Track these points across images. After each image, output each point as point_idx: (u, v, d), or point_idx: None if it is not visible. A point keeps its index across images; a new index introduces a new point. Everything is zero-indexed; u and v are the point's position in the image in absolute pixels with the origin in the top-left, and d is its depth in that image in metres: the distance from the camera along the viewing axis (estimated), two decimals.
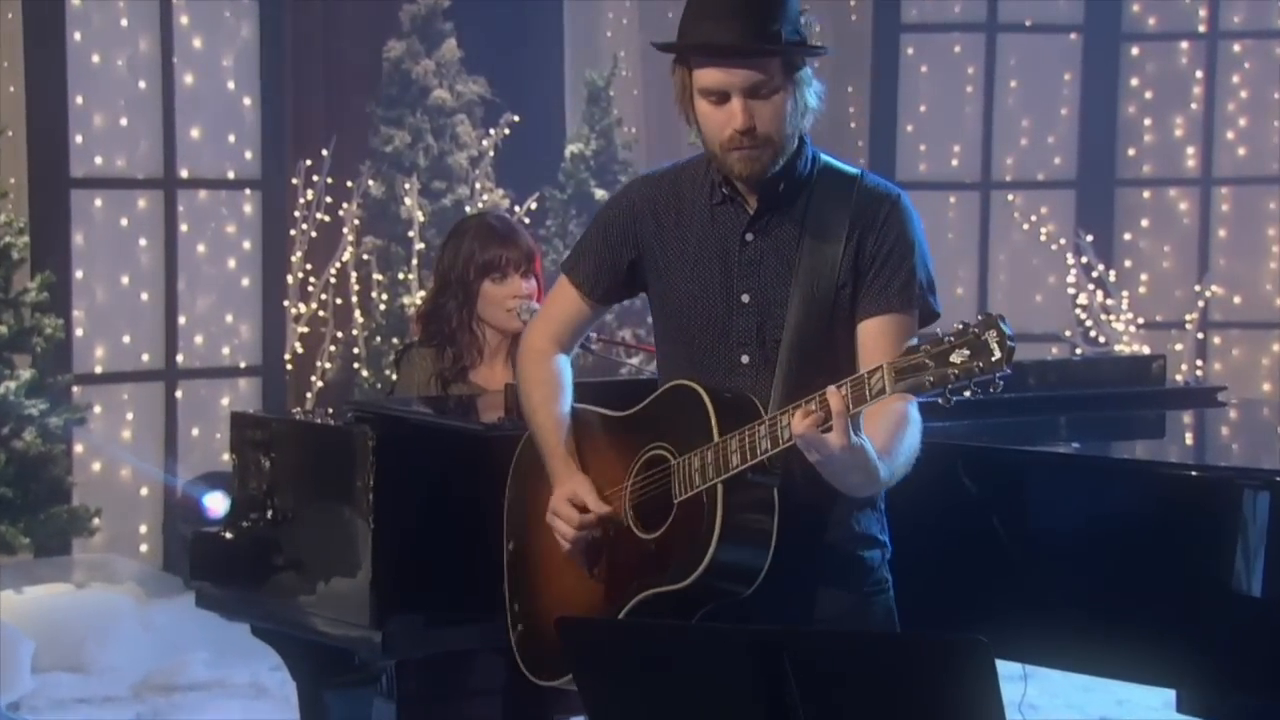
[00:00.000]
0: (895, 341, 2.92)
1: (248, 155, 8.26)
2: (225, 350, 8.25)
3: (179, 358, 8.08)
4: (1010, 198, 9.47)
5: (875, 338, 2.97)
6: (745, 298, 3.04)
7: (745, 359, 3.04)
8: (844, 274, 3.00)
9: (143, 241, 7.96)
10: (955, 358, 2.62)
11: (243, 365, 8.30)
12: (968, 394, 2.63)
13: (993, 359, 2.60)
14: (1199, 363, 9.35)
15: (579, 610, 3.10)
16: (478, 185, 8.56)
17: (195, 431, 8.14)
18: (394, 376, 4.44)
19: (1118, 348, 9.03)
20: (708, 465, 2.90)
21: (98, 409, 7.71)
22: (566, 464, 3.12)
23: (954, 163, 9.47)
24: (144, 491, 7.99)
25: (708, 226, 3.08)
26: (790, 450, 2.83)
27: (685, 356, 3.09)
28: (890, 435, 2.90)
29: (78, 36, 7.73)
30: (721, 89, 2.95)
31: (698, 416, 2.94)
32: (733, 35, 2.92)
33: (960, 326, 2.64)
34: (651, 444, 3.04)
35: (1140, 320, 9.23)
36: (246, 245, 8.28)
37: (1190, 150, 9.44)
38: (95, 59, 7.79)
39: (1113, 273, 9.27)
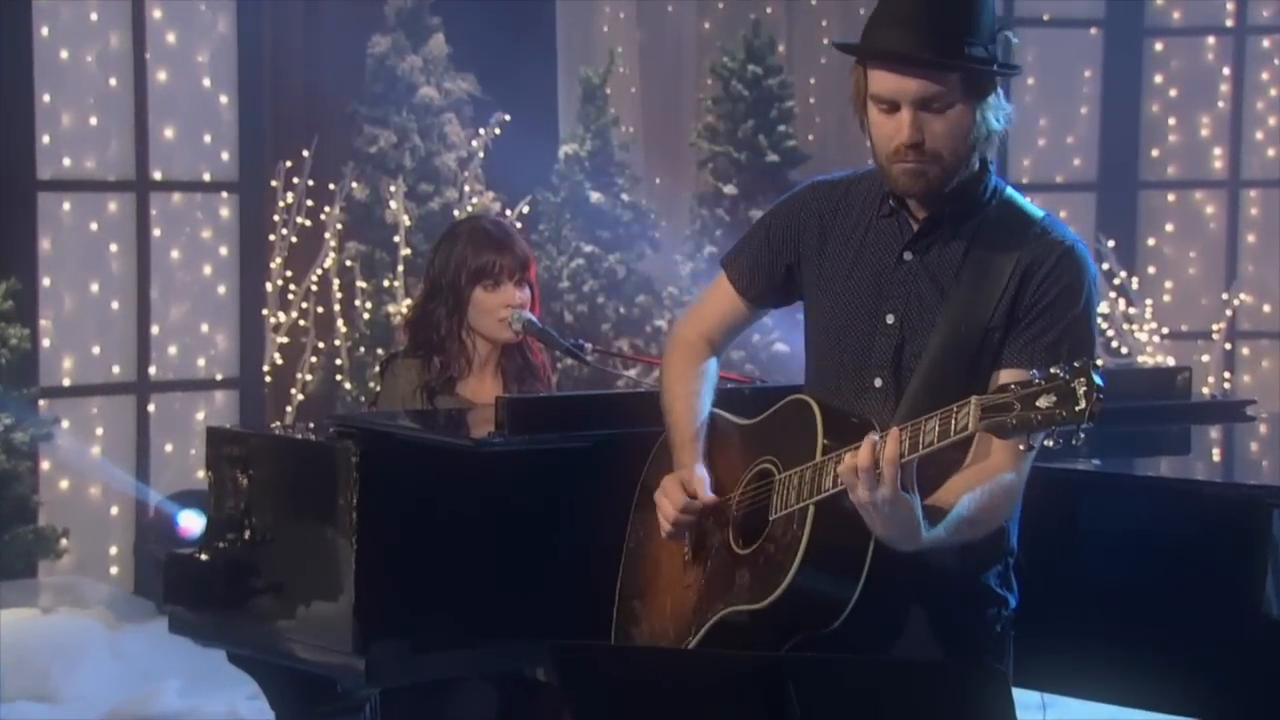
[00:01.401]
0: None
1: (224, 156, 8.26)
2: (200, 361, 8.25)
3: (152, 370, 8.08)
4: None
5: None
6: (890, 318, 3.03)
7: (878, 382, 3.03)
8: (998, 316, 2.97)
9: (113, 247, 7.96)
10: (1042, 402, 2.62)
11: (219, 377, 8.30)
12: (1049, 443, 2.64)
13: (1077, 409, 2.60)
14: (1226, 375, 9.36)
15: (673, 617, 3.13)
16: (467, 188, 8.56)
17: (169, 447, 8.13)
18: (377, 389, 4.44)
19: (1141, 359, 9.03)
20: (804, 484, 2.91)
21: (66, 424, 7.70)
22: (692, 455, 3.14)
23: None
24: (114, 511, 7.98)
25: (869, 239, 3.08)
26: (906, 478, 2.79)
27: (825, 374, 3.11)
28: (960, 490, 2.87)
29: (45, 32, 7.73)
30: (893, 97, 2.93)
31: (806, 433, 2.96)
32: (911, 44, 2.91)
33: (1054, 370, 2.63)
34: (763, 456, 3.06)
35: (1165, 330, 9.23)
36: (223, 251, 8.28)
37: (1217, 151, 9.45)
38: (63, 55, 7.79)
39: (1135, 280, 9.27)
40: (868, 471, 2.74)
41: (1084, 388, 2.60)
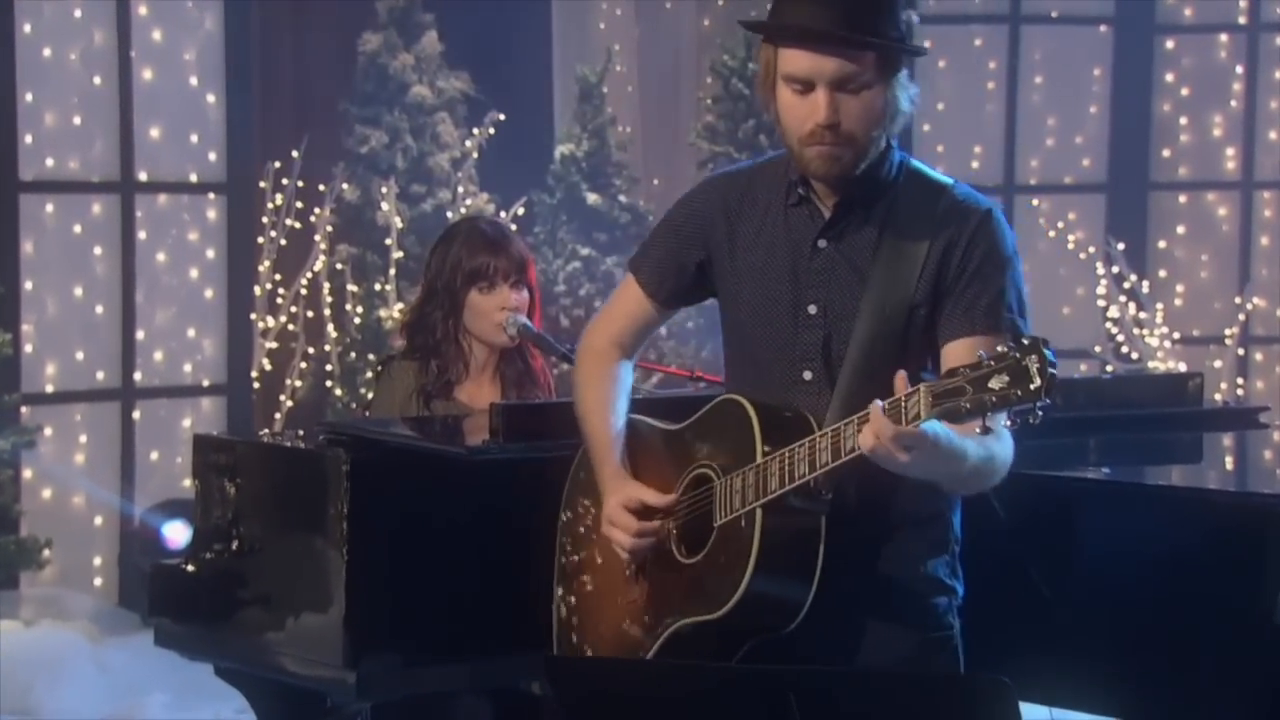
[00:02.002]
0: None
1: (211, 157, 8.26)
2: (187, 367, 8.25)
3: (137, 376, 8.08)
4: (1035, 202, 9.48)
5: (958, 362, 2.88)
6: (812, 309, 3.04)
7: (808, 375, 3.04)
8: (921, 292, 2.99)
9: (97, 250, 7.96)
10: (994, 383, 2.61)
11: (206, 384, 8.30)
12: (1005, 424, 2.63)
13: (1031, 387, 2.59)
14: (1239, 381, 9.36)
15: (620, 635, 3.13)
16: (460, 189, 8.57)
17: (154, 455, 8.13)
18: (371, 394, 4.44)
19: (1151, 364, 9.03)
20: (748, 487, 2.92)
21: (48, 431, 7.70)
22: (618, 472, 3.14)
23: (974, 165, 9.48)
24: (98, 521, 7.98)
25: (780, 229, 3.08)
26: (845, 474, 2.83)
27: (748, 370, 3.11)
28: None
29: (28, 29, 7.73)
30: (808, 77, 2.93)
31: (743, 434, 2.96)
32: (829, 21, 2.91)
33: (1002, 349, 2.63)
34: (698, 462, 3.06)
35: (1176, 335, 9.24)
36: (210, 254, 8.28)
37: (1230, 151, 9.45)
38: (46, 53, 7.79)
39: (1146, 283, 9.27)
40: (889, 444, 2.71)
41: (1036, 364, 2.59)
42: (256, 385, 8.40)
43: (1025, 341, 2.62)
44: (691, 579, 3.01)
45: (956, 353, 2.95)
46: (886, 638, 3.02)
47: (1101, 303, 9.28)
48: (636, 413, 3.24)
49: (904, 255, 2.99)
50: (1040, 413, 2.61)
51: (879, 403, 2.72)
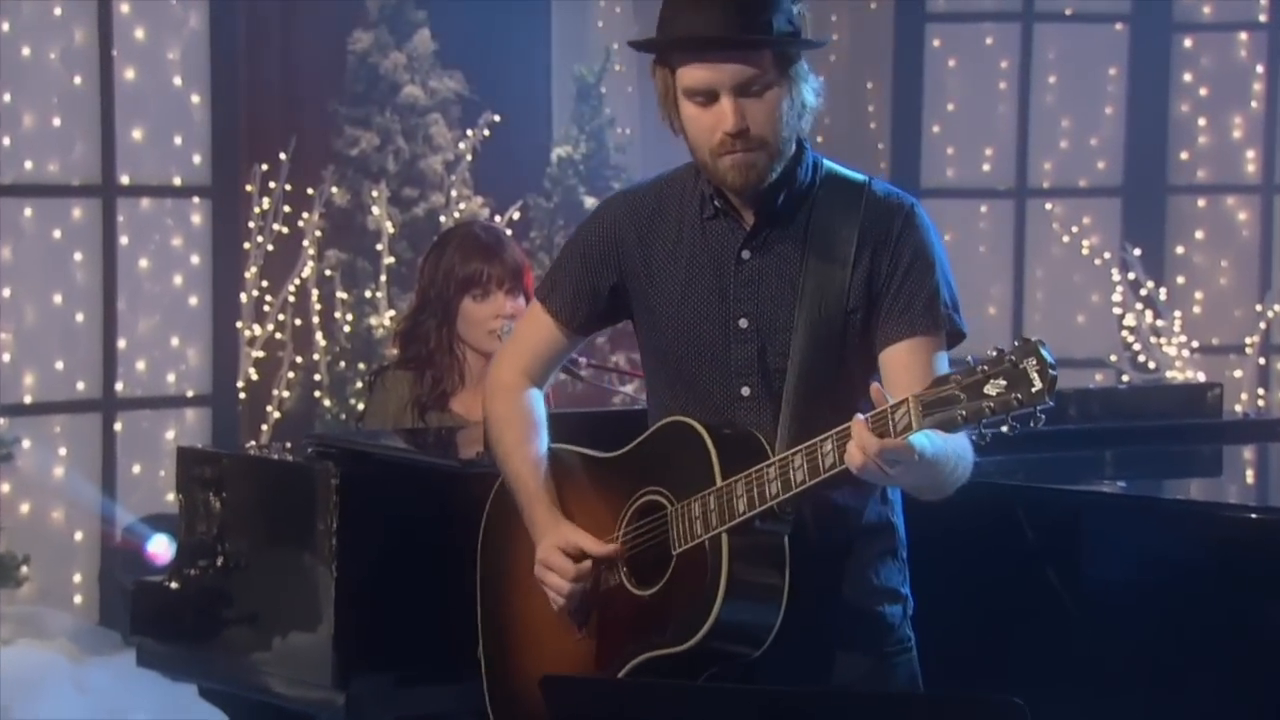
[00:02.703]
0: (928, 367, 2.92)
1: (196, 159, 8.26)
2: (170, 377, 8.25)
3: (118, 386, 8.08)
4: (1049, 207, 9.49)
5: (905, 366, 2.95)
6: (743, 322, 3.04)
7: (746, 391, 3.04)
8: (854, 296, 3.00)
9: (78, 256, 7.96)
10: (990, 389, 2.61)
11: (190, 394, 8.30)
12: (1004, 430, 2.63)
13: (1033, 390, 2.59)
14: (1260, 391, 9.36)
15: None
16: (454, 193, 8.57)
17: (136, 468, 8.13)
18: (361, 405, 4.45)
19: (1169, 374, 9.03)
20: (710, 512, 2.90)
21: (27, 443, 7.70)
22: (550, 511, 3.12)
23: (986, 168, 9.48)
24: (78, 536, 7.98)
25: (699, 244, 3.08)
26: (803, 493, 2.83)
27: (679, 390, 3.10)
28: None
29: (6, 27, 7.74)
30: (708, 87, 2.95)
31: (697, 457, 2.94)
32: (718, 26, 2.92)
33: (996, 353, 2.63)
34: (644, 489, 3.04)
35: (1194, 343, 9.24)
36: (195, 260, 8.28)
37: (1250, 154, 9.46)
38: (25, 52, 7.80)
39: (1164, 290, 9.28)
40: (876, 460, 2.70)
41: (1036, 366, 2.59)
42: (242, 396, 8.40)
43: (1020, 343, 2.62)
44: (651, 611, 2.99)
45: (900, 356, 2.97)
46: (847, 653, 3.03)
47: (1117, 310, 9.28)
48: (560, 439, 3.22)
49: (832, 260, 3.00)
50: (1042, 417, 2.61)
51: (861, 417, 2.72)
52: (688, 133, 3.01)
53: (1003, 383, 2.61)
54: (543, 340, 3.26)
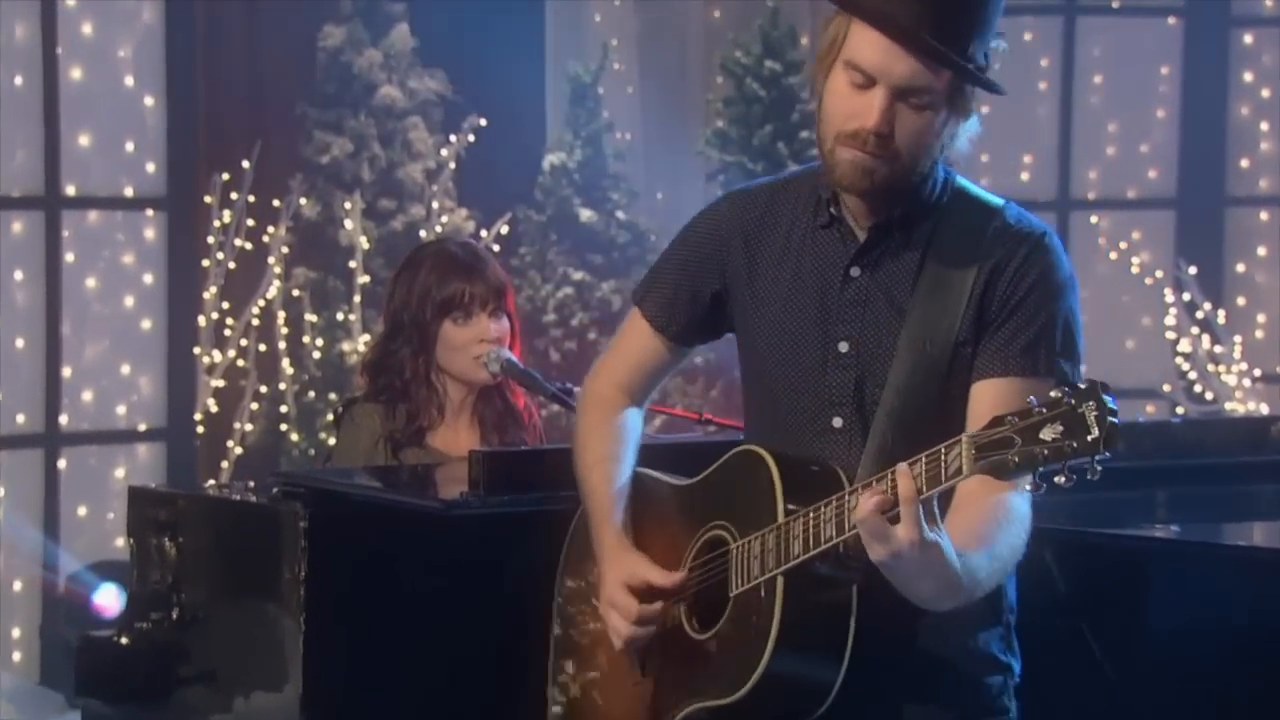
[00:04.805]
0: None
1: (150, 168, 8.27)
2: (120, 409, 8.25)
3: (63, 419, 8.08)
4: (1094, 220, 9.50)
5: (988, 407, 2.88)
6: (844, 346, 3.03)
7: (838, 422, 3.03)
8: (966, 327, 2.98)
9: (18, 274, 7.97)
10: (1046, 434, 2.61)
11: (142, 428, 8.30)
12: (1060, 480, 2.63)
13: (1089, 438, 2.59)
14: None
15: (625, 717, 3.12)
16: (435, 204, 8.58)
17: (82, 510, 8.12)
18: (332, 440, 4.45)
19: (1228, 406, 9.03)
20: (768, 552, 2.90)
21: None
22: (619, 539, 3.12)
23: (1024, 176, 9.50)
24: (17, 585, 7.97)
25: (806, 255, 3.08)
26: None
27: (769, 415, 3.11)
28: (981, 534, 2.85)
29: None
30: (874, 72, 2.91)
31: (762, 491, 2.95)
32: (920, 21, 2.89)
33: (1055, 395, 2.63)
34: (712, 522, 3.05)
35: (1257, 371, 9.24)
36: (148, 279, 8.29)
37: None
38: None
39: (1222, 313, 9.28)
40: (878, 521, 2.71)
41: (1095, 412, 2.59)
42: (201, 430, 8.40)
43: (1082, 386, 2.62)
44: (705, 656, 3.00)
45: (984, 395, 2.95)
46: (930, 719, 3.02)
47: (1171, 335, 9.28)
48: (643, 465, 3.23)
49: (948, 286, 2.99)
50: (1099, 468, 2.61)
51: (904, 465, 2.71)
52: (825, 102, 2.98)
53: (1060, 428, 2.61)
54: (640, 349, 3.26)
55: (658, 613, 3.06)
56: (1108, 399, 2.60)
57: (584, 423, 3.27)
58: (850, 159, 2.95)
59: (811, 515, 2.86)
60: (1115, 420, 2.59)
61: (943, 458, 2.69)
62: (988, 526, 2.86)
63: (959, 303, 2.98)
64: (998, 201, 3.07)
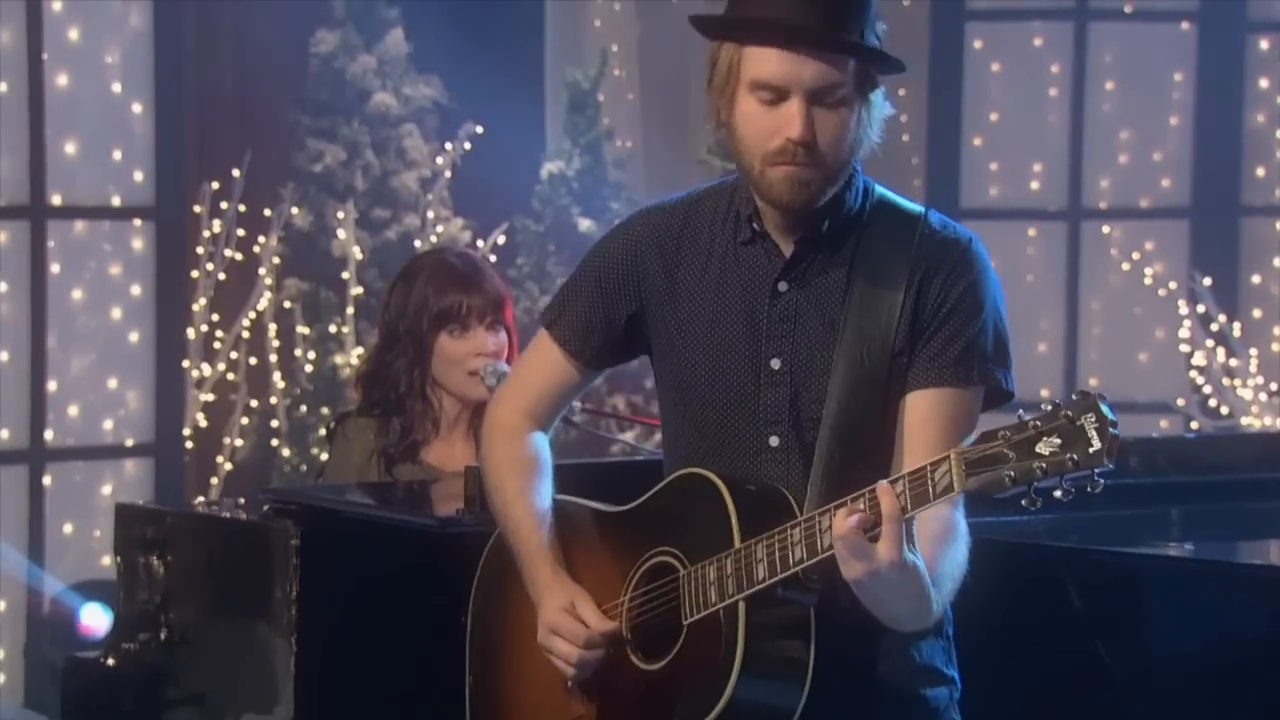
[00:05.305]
0: (946, 426, 2.94)
1: (138, 176, 8.27)
2: (107, 424, 8.25)
3: (48, 434, 8.08)
4: (1106, 230, 9.50)
5: (921, 419, 2.97)
6: (776, 363, 3.04)
7: (775, 441, 3.05)
8: (900, 338, 3.00)
9: (2, 286, 7.97)
10: (1043, 448, 2.62)
11: (130, 444, 8.29)
12: (1057, 494, 2.63)
13: (1090, 451, 2.60)
14: None
15: None
16: (430, 214, 8.58)
17: (68, 528, 8.12)
18: (324, 456, 4.45)
19: (1244, 421, 9.03)
20: (726, 578, 2.90)
21: None
22: (555, 571, 3.12)
23: (1034, 186, 9.50)
24: (1, 606, 7.97)
25: (730, 272, 3.09)
26: (832, 560, 2.82)
27: (697, 437, 3.10)
28: (936, 554, 2.87)
29: None
30: (783, 83, 2.94)
31: (714, 515, 2.95)
32: (810, 19, 2.91)
33: (1049, 407, 2.64)
34: (655, 549, 3.04)
35: (1273, 386, 9.24)
36: (136, 290, 8.29)
37: None
38: None
39: (1238, 325, 9.28)
40: (858, 538, 2.72)
41: (1094, 423, 2.60)
42: (190, 445, 8.40)
43: (1077, 397, 2.63)
44: (659, 687, 3.00)
45: (920, 407, 2.98)
46: None
47: (1185, 348, 9.28)
48: (562, 491, 3.22)
49: (879, 297, 3.01)
50: (1101, 481, 2.61)
51: (885, 483, 2.73)
52: (739, 132, 3.00)
53: (1057, 441, 2.62)
54: (549, 374, 3.26)
55: (606, 637, 3.06)
56: (1105, 409, 2.61)
57: (494, 453, 3.26)
58: (783, 175, 2.96)
59: (777, 538, 2.86)
60: (1116, 431, 2.60)
61: (929, 475, 2.70)
62: (943, 547, 2.89)
63: (892, 314, 3.00)
64: (918, 209, 3.10)
